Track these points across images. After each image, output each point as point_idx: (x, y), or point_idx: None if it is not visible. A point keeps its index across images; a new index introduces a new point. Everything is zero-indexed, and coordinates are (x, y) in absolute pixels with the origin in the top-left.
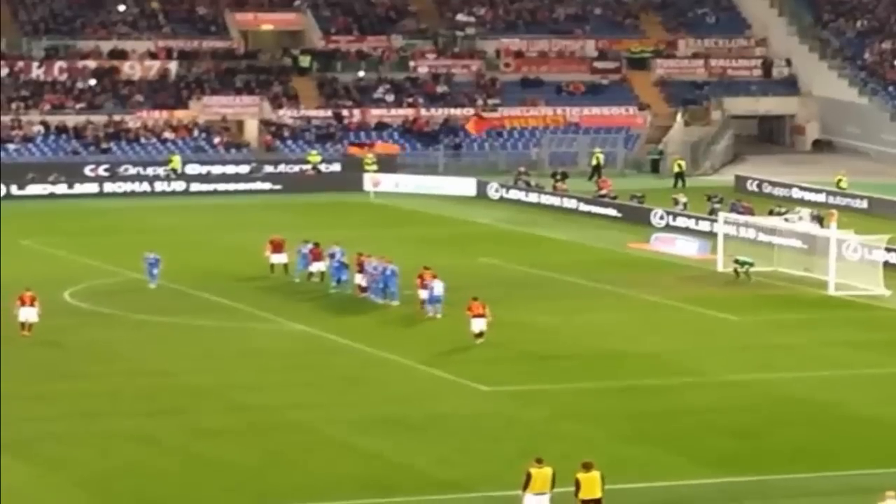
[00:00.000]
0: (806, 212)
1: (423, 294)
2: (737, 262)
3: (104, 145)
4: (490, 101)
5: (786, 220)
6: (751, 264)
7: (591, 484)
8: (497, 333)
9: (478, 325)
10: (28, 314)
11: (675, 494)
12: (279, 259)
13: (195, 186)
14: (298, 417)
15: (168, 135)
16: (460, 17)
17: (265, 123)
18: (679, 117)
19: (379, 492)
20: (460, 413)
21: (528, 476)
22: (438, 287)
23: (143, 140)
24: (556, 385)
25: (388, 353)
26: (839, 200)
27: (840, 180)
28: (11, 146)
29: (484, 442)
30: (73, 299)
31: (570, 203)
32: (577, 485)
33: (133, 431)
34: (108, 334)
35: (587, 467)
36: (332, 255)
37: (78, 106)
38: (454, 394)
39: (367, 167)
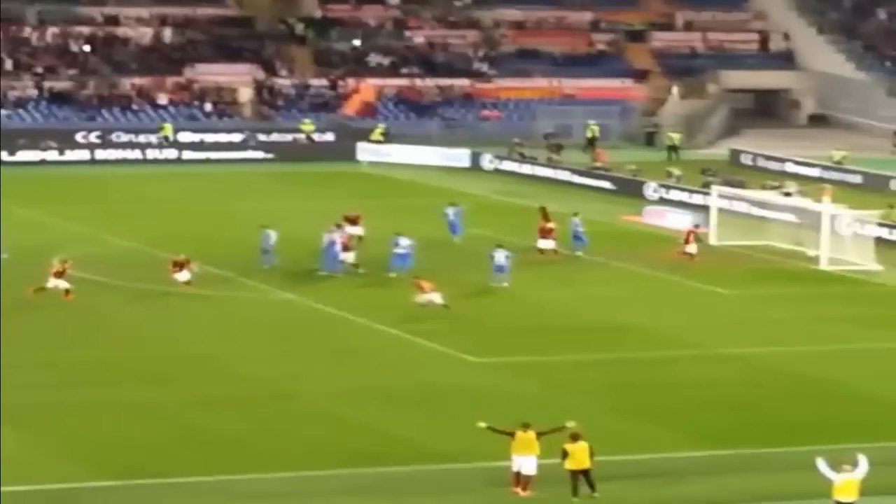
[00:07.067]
0: (793, 186)
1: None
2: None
3: (96, 111)
4: (486, 72)
5: (785, 194)
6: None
7: (579, 454)
8: (487, 305)
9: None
10: (58, 283)
11: (664, 467)
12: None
13: (187, 154)
14: (287, 388)
15: (161, 101)
16: None
17: (259, 91)
18: (675, 90)
19: (369, 462)
20: (450, 385)
21: (513, 436)
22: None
23: (135, 107)
24: (547, 357)
25: (378, 324)
26: (834, 175)
27: (843, 156)
28: (3, 111)
29: (474, 413)
30: None
31: (565, 175)
32: (564, 454)
33: (121, 400)
34: (99, 302)
35: (574, 438)
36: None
37: (71, 71)
38: (444, 365)
39: (374, 138)
